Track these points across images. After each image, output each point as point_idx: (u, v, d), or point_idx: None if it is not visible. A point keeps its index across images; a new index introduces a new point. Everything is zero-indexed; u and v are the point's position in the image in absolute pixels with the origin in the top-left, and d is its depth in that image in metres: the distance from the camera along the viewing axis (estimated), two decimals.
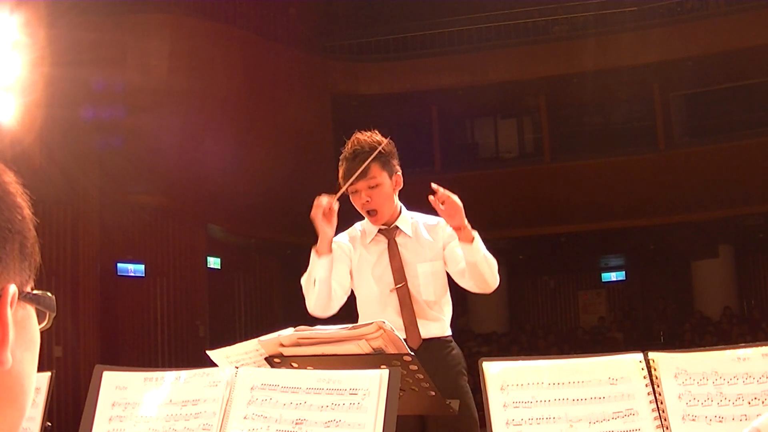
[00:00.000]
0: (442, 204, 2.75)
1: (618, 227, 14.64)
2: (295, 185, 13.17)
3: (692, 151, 14.31)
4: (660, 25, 13.80)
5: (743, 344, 1.64)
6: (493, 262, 2.85)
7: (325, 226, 2.81)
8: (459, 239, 2.81)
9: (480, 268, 2.82)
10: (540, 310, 18.50)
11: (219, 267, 13.56)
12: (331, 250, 2.86)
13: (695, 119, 15.14)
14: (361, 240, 3.02)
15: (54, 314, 0.80)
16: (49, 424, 2.01)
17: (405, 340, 2.83)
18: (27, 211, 0.76)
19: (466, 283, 2.92)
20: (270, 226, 13.70)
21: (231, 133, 11.90)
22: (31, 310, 0.77)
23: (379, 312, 2.91)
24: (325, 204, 2.81)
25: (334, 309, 2.96)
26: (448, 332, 2.99)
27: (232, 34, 12.41)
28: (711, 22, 13.53)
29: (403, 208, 3.04)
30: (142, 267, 11.66)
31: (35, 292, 0.77)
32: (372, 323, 2.02)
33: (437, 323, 2.94)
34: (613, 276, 18.40)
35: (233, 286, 14.27)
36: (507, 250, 15.57)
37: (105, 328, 10.68)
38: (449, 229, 2.90)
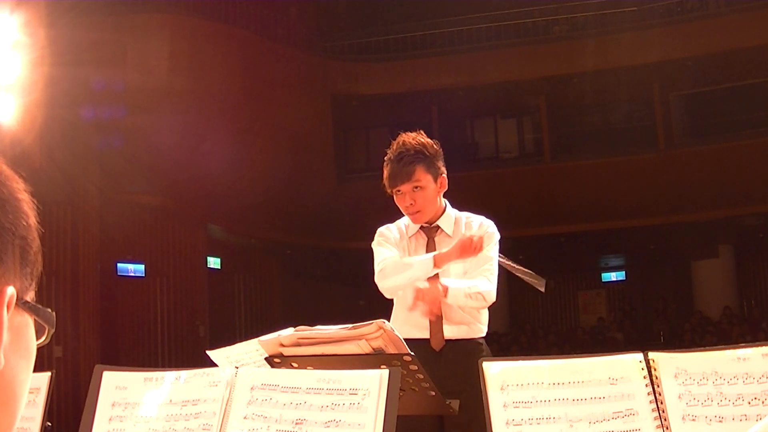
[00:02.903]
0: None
1: (618, 227, 14.62)
2: (295, 185, 13.19)
3: (692, 151, 14.30)
4: (660, 25, 13.79)
5: (743, 344, 1.63)
6: (478, 290, 2.85)
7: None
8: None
9: (467, 306, 2.88)
10: (540, 310, 18.48)
11: (219, 267, 13.56)
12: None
13: (695, 119, 15.14)
14: (405, 233, 3.05)
15: (53, 331, 0.79)
16: (49, 424, 2.01)
17: (428, 339, 2.86)
18: (33, 220, 0.76)
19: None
20: (270, 226, 13.70)
21: (231, 133, 11.90)
22: (29, 320, 0.76)
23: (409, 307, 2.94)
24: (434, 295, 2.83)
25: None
26: (479, 335, 2.98)
27: (232, 34, 12.42)
28: (711, 22, 13.53)
29: (448, 207, 3.05)
30: (142, 267, 11.66)
31: (36, 304, 0.77)
32: (372, 323, 2.02)
33: (465, 326, 2.94)
34: (613, 276, 18.39)
35: (233, 286, 14.27)
36: (506, 250, 15.55)
37: (105, 328, 10.68)
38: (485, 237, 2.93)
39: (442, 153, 3.03)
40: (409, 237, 3.03)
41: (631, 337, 15.49)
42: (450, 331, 2.92)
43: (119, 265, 11.36)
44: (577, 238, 15.47)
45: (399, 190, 2.94)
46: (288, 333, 2.07)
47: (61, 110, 9.20)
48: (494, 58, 14.37)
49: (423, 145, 2.96)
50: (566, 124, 15.81)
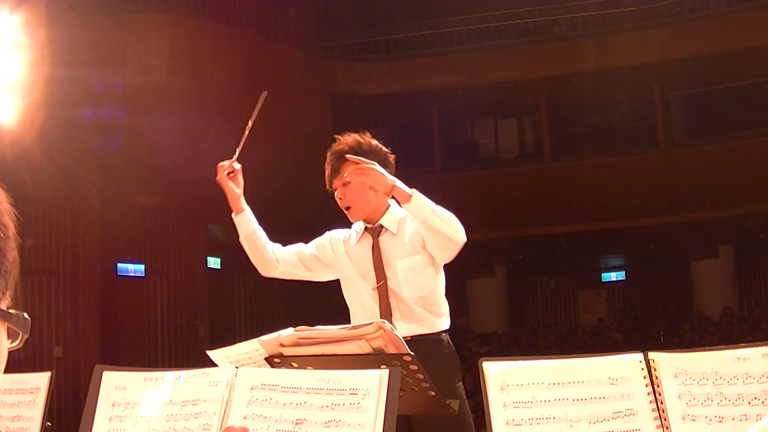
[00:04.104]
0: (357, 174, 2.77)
1: (618, 227, 14.64)
2: (295, 185, 13.18)
3: (692, 151, 14.31)
4: (660, 25, 13.80)
5: (743, 344, 1.63)
6: (447, 216, 2.73)
7: (229, 187, 3.13)
8: (399, 202, 2.76)
9: (432, 225, 2.71)
10: (540, 310, 18.50)
11: (219, 267, 13.55)
12: (243, 208, 3.14)
13: (695, 119, 15.15)
14: (351, 239, 3.05)
15: (27, 336, 0.79)
16: (49, 424, 2.01)
17: None
18: (12, 232, 0.76)
19: (436, 251, 2.84)
20: (270, 226, 13.65)
21: (231, 133, 11.87)
22: (0, 326, 0.76)
23: (362, 311, 2.92)
24: (226, 165, 3.14)
25: (275, 268, 3.14)
26: (436, 330, 2.88)
27: (232, 34, 12.41)
28: (711, 22, 13.53)
29: (394, 206, 3.02)
30: (142, 267, 11.66)
31: (10, 311, 0.77)
32: (372, 323, 2.02)
33: (421, 323, 2.86)
34: (613, 276, 18.42)
35: (233, 286, 14.27)
36: (507, 250, 15.58)
37: (105, 328, 10.68)
38: None
39: (386, 154, 3.02)
40: (356, 241, 3.01)
41: (631, 337, 15.50)
42: (404, 330, 2.80)
43: (119, 265, 11.36)
44: (577, 238, 15.48)
45: (334, 188, 3.02)
46: (288, 333, 2.07)
47: (61, 110, 9.20)
48: (494, 58, 14.37)
49: (358, 142, 3.01)
50: (566, 124, 15.82)
